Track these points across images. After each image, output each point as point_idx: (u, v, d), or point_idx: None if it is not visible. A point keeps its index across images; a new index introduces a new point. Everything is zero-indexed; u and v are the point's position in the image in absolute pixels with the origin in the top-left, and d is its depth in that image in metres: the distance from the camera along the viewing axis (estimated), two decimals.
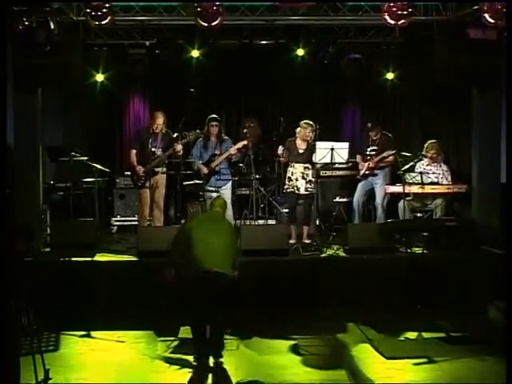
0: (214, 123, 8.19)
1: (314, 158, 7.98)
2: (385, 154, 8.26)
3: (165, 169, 8.15)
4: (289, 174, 8.07)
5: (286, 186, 8.14)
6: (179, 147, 7.89)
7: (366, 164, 8.42)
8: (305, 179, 8.00)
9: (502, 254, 6.29)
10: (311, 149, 8.01)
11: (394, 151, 8.19)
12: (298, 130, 8.13)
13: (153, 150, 7.98)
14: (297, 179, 8.00)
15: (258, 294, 6.82)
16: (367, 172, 8.40)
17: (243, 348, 5.89)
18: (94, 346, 5.99)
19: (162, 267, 5.84)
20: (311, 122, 8.12)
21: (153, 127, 8.02)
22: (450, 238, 7.36)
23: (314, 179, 8.03)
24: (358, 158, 8.66)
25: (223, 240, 5.64)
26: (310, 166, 8.03)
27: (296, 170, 8.03)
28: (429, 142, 8.46)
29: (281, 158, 8.20)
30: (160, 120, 8.01)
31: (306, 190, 7.99)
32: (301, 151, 8.07)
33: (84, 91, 9.42)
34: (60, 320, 6.39)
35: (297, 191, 7.99)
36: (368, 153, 8.49)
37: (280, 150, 8.07)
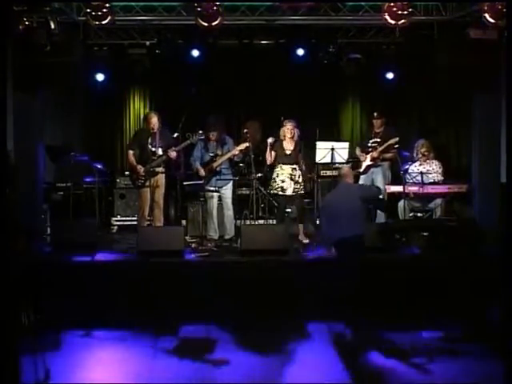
0: (213, 127, 8.17)
1: (300, 159, 8.03)
2: (391, 142, 8.25)
3: (163, 169, 8.13)
4: (274, 175, 8.06)
5: (269, 187, 8.13)
6: (173, 154, 7.90)
7: (369, 155, 8.42)
8: (293, 180, 7.99)
9: (502, 254, 6.29)
10: (299, 149, 8.05)
11: (397, 139, 8.20)
12: (281, 129, 8.17)
13: (153, 149, 7.98)
14: (283, 180, 7.99)
15: (258, 293, 6.82)
16: (371, 163, 8.38)
17: (243, 347, 5.89)
18: (94, 346, 5.99)
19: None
20: (290, 121, 8.13)
21: (148, 127, 8.01)
22: (449, 238, 7.37)
23: (301, 180, 8.05)
24: (358, 150, 8.66)
25: (349, 207, 6.33)
26: (297, 167, 8.04)
27: (284, 172, 8.02)
28: (419, 141, 8.51)
29: (267, 158, 8.15)
30: (154, 119, 8.00)
31: (294, 191, 7.99)
32: (288, 152, 8.07)
33: (84, 91, 9.41)
34: (60, 320, 6.39)
35: (281, 192, 7.98)
36: (370, 145, 8.51)
37: (271, 139, 8.06)
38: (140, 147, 8.08)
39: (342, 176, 6.77)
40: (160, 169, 8.05)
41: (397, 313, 6.57)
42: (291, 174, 8.00)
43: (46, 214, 8.34)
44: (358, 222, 6.38)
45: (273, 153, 8.11)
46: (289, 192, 7.99)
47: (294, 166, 8.03)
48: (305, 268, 7.16)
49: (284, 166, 8.04)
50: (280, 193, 8.00)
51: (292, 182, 7.98)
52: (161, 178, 8.10)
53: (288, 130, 8.04)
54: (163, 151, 7.96)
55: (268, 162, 8.18)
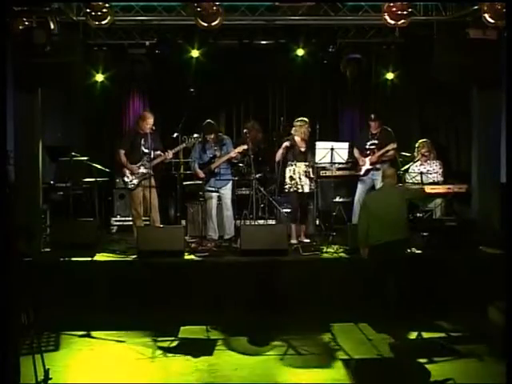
0: (210, 129, 8.17)
1: (309, 158, 8.03)
2: (388, 148, 8.27)
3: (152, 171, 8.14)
4: (290, 174, 8.05)
5: (287, 186, 8.09)
6: (170, 155, 7.91)
7: (368, 159, 8.43)
8: (308, 177, 8.01)
9: (502, 254, 6.29)
10: (310, 147, 8.06)
11: (395, 145, 8.22)
12: (295, 129, 8.16)
13: (145, 150, 7.98)
14: (300, 178, 8.00)
15: (258, 293, 6.83)
16: (370, 167, 8.40)
17: (243, 348, 5.89)
18: (94, 346, 5.99)
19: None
20: (306, 119, 8.16)
21: (142, 127, 8.01)
22: (449, 237, 7.37)
23: (314, 177, 8.07)
24: (356, 152, 8.66)
25: (393, 209, 6.29)
26: (310, 164, 8.06)
27: (299, 169, 8.02)
28: (420, 141, 8.51)
29: (278, 156, 8.13)
30: (151, 120, 8.01)
31: (310, 188, 8.03)
32: (302, 149, 8.09)
33: (84, 91, 9.40)
34: (60, 320, 6.40)
35: (301, 190, 7.99)
36: (367, 147, 8.51)
37: (287, 143, 8.05)
38: (132, 147, 8.07)
39: (387, 177, 6.73)
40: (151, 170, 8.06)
41: (396, 313, 6.57)
42: (306, 171, 8.01)
43: (46, 214, 8.34)
44: (401, 225, 6.30)
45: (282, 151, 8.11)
46: (306, 189, 8.00)
47: (307, 163, 8.05)
48: (305, 268, 7.15)
49: (299, 164, 8.04)
50: (299, 190, 7.99)
51: (308, 180, 8.01)
52: (153, 179, 8.10)
53: (307, 131, 8.07)
54: (155, 153, 7.97)
55: (277, 159, 8.20)
